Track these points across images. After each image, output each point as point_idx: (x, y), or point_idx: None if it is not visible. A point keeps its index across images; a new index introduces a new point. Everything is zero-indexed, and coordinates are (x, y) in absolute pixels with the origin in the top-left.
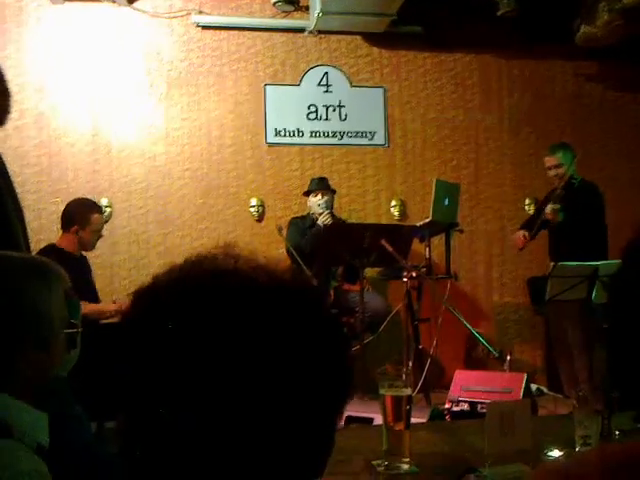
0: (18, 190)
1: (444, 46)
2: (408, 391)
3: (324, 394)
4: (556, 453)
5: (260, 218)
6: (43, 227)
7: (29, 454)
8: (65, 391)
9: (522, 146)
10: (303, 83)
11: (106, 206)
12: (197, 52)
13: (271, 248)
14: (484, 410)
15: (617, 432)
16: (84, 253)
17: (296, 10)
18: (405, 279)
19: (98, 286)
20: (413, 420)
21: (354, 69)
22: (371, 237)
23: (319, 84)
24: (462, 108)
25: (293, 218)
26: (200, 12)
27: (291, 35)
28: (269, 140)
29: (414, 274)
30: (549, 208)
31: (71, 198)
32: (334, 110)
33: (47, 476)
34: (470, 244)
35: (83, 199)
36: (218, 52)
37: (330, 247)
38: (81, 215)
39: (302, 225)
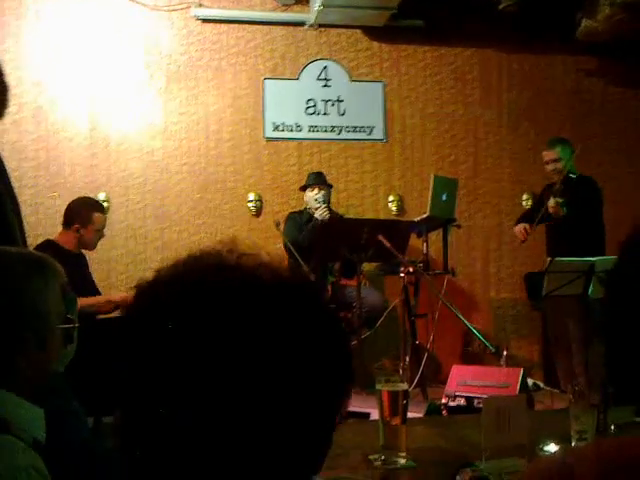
0: (15, 185)
1: (444, 40)
2: (405, 386)
3: (324, 391)
4: (552, 448)
5: (258, 213)
6: (40, 222)
7: (26, 450)
8: (62, 386)
9: (521, 141)
10: (302, 77)
11: (103, 201)
12: (197, 45)
13: (269, 243)
14: (481, 405)
15: (613, 426)
16: (83, 252)
17: (296, 3)
18: (402, 274)
19: (95, 281)
20: (410, 415)
21: (354, 63)
22: (369, 232)
23: (318, 78)
24: (461, 103)
25: (290, 213)
26: (200, 5)
27: (291, 29)
28: (267, 135)
29: (411, 269)
30: (552, 202)
31: (69, 193)
32: (333, 105)
33: (44, 472)
34: (468, 239)
35: (86, 198)
36: (218, 45)
37: (328, 242)
38: (83, 214)
39: (299, 220)
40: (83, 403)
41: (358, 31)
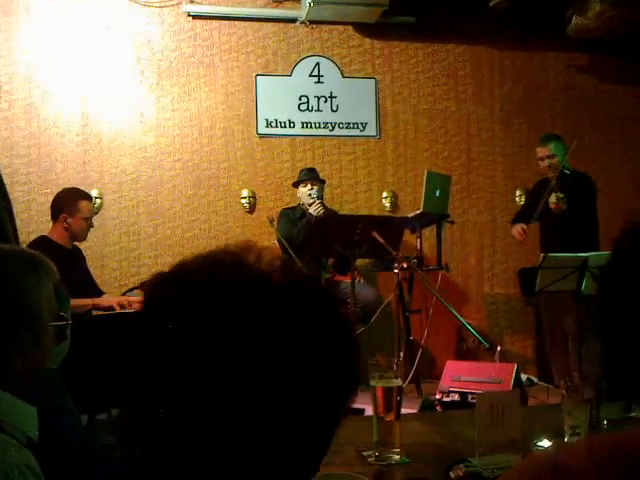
0: (7, 181)
1: (436, 37)
2: (398, 382)
3: (331, 392)
4: (545, 443)
5: (251, 209)
6: (32, 219)
7: (20, 448)
8: (56, 384)
9: (514, 137)
10: (294, 74)
11: (96, 197)
12: (188, 42)
13: (262, 239)
14: (474, 400)
15: (606, 422)
16: (77, 244)
17: (288, 0)
18: (396, 270)
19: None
20: (404, 411)
21: (346, 60)
22: (362, 228)
23: (310, 75)
24: (454, 99)
25: (283, 209)
26: (191, 1)
27: (282, 25)
28: (260, 131)
29: (405, 265)
30: (553, 197)
31: (61, 189)
32: (325, 101)
33: (36, 470)
34: (461, 235)
35: (71, 188)
36: (209, 42)
37: (322, 238)
38: (69, 203)
39: (292, 216)
40: (77, 401)
41: (350, 28)
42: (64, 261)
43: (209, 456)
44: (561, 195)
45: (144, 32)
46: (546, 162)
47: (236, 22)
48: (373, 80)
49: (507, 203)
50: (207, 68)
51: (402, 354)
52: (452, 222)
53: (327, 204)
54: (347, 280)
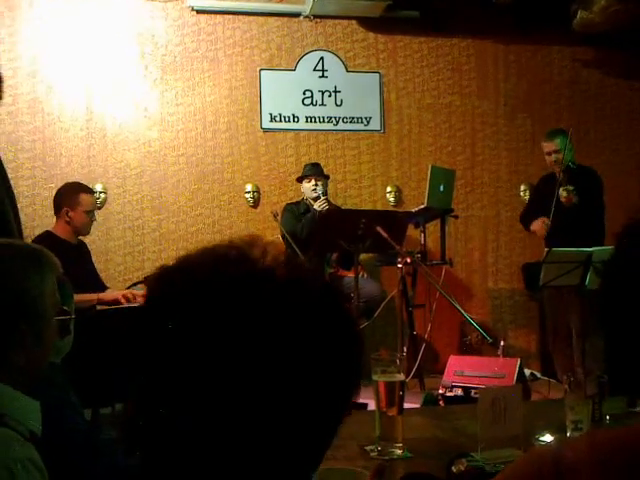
0: (11, 176)
1: (440, 31)
2: (401, 377)
3: (333, 389)
4: (548, 438)
5: (255, 204)
6: (37, 213)
7: (22, 442)
8: (59, 378)
9: (518, 132)
10: (298, 68)
11: (100, 192)
12: (192, 36)
13: (266, 234)
14: (477, 395)
15: (608, 417)
16: (82, 239)
17: None
18: (400, 265)
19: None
20: (406, 405)
21: (350, 54)
22: (366, 223)
23: (315, 69)
24: (458, 94)
25: (287, 204)
26: None
27: (286, 20)
28: (264, 125)
29: (409, 260)
30: (563, 191)
31: None
32: (330, 95)
33: (39, 464)
34: (465, 230)
35: (73, 182)
36: (213, 36)
37: (325, 233)
38: (69, 196)
39: (296, 211)
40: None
41: (354, 22)
42: (69, 256)
43: (212, 446)
44: (570, 188)
45: (148, 27)
46: (553, 157)
47: (240, 16)
48: (377, 74)
49: (511, 198)
50: (211, 62)
51: (405, 349)
52: (456, 217)
53: (331, 199)
54: (351, 275)
